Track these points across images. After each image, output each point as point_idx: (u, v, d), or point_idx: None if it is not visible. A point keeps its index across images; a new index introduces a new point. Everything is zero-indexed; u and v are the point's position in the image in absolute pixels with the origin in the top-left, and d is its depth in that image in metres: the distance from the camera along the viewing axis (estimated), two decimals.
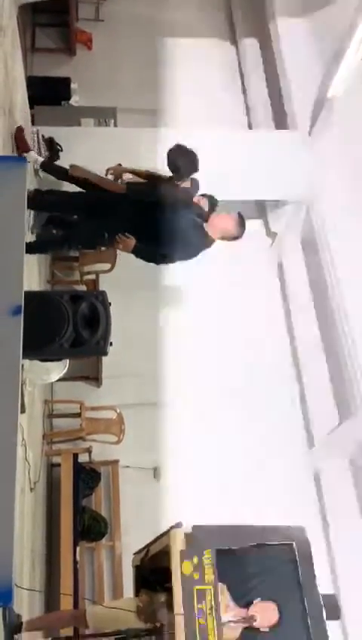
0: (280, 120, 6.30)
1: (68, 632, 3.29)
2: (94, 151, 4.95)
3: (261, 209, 7.08)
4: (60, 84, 5.97)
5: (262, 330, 6.51)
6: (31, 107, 5.11)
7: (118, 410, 5.46)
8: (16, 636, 2.76)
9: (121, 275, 5.91)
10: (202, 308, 6.48)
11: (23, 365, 2.42)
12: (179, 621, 2.28)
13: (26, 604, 3.37)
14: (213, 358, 6.25)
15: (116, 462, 5.50)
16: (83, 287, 6.00)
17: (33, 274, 4.60)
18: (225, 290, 6.60)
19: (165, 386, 5.99)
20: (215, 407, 6.02)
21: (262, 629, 2.57)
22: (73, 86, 6.00)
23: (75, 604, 4.25)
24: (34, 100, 5.15)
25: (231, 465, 5.77)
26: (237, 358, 6.29)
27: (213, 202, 4.04)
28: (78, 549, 4.71)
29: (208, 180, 5.49)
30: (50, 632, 3.37)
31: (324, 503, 5.44)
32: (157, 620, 2.61)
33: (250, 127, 6.96)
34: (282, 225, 6.51)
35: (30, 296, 2.38)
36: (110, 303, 3.29)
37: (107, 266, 5.87)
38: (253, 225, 7.07)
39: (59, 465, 5.09)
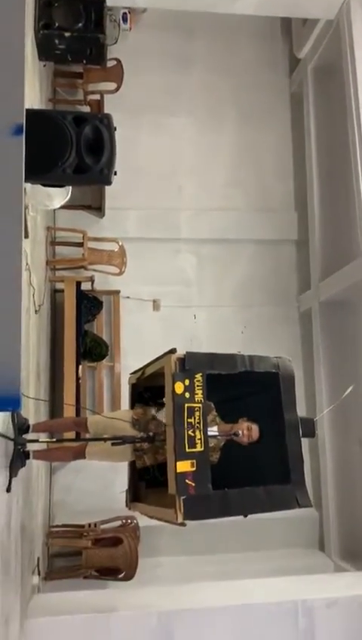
0: None
1: (70, 435, 3.69)
2: None
3: (286, 28, 6.39)
4: None
5: (273, 168, 6.29)
6: None
7: (120, 243, 5.49)
8: (24, 435, 3.11)
9: (128, 97, 5.52)
10: (212, 141, 6.17)
11: (25, 190, 2.37)
12: (170, 432, 2.56)
13: (32, 411, 3.72)
14: (217, 193, 6.11)
15: (117, 292, 5.68)
16: (86, 109, 5.64)
17: (34, 91, 4.29)
18: (238, 121, 6.23)
19: (168, 221, 5.95)
20: (211, 242, 6.07)
21: (242, 444, 2.90)
22: None
23: (77, 413, 4.71)
24: None
25: (224, 295, 5.96)
26: (243, 194, 6.16)
27: None
28: (80, 367, 5.08)
29: None
30: (55, 435, 3.78)
31: (314, 342, 5.72)
32: (150, 430, 2.93)
33: None
34: (307, 49, 5.92)
35: (32, 115, 2.25)
36: (115, 128, 3.12)
37: (113, 85, 5.45)
38: (276, 49, 6.45)
39: (62, 291, 5.26)
